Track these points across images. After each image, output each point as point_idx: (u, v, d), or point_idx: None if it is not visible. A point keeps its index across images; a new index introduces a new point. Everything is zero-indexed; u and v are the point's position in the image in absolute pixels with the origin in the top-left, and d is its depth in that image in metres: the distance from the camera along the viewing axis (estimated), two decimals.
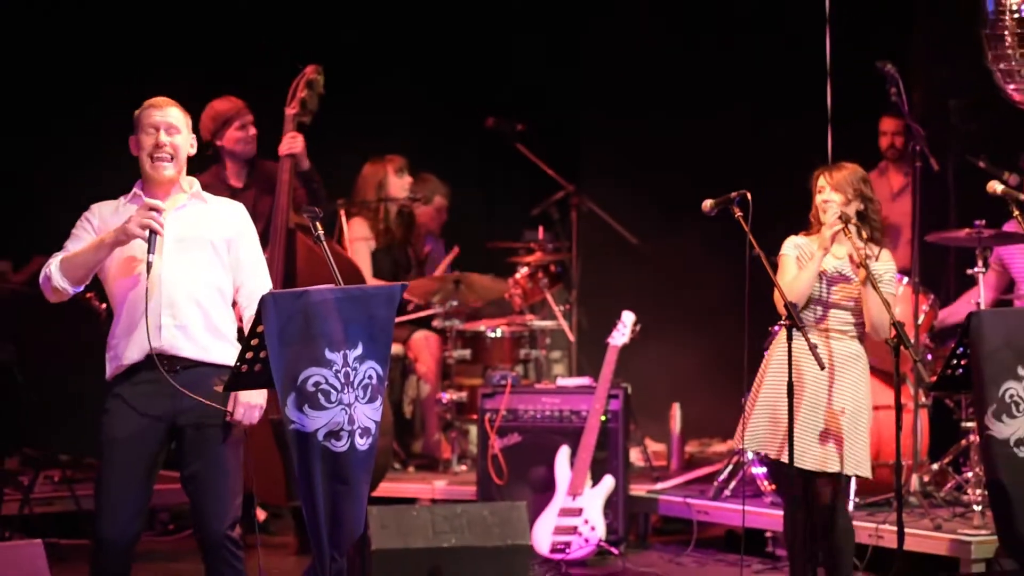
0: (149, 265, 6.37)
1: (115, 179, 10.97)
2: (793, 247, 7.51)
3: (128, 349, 6.47)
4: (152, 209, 6.40)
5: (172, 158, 6.56)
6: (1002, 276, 9.37)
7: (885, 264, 7.53)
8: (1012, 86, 8.71)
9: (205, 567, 6.56)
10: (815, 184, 7.54)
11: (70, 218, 10.82)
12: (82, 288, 6.51)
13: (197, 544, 6.59)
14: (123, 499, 6.47)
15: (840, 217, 7.42)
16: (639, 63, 11.64)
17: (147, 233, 6.37)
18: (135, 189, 6.66)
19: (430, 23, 11.75)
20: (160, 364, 6.40)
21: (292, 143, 8.94)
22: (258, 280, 6.71)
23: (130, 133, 6.67)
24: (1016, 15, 8.53)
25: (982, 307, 8.63)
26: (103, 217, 6.62)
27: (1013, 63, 8.61)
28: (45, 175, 10.78)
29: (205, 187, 9.28)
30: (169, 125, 6.56)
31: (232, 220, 6.72)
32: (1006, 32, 8.60)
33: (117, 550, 6.46)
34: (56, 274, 6.44)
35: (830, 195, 7.47)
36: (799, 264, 7.47)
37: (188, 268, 6.53)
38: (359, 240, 10.18)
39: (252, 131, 9.16)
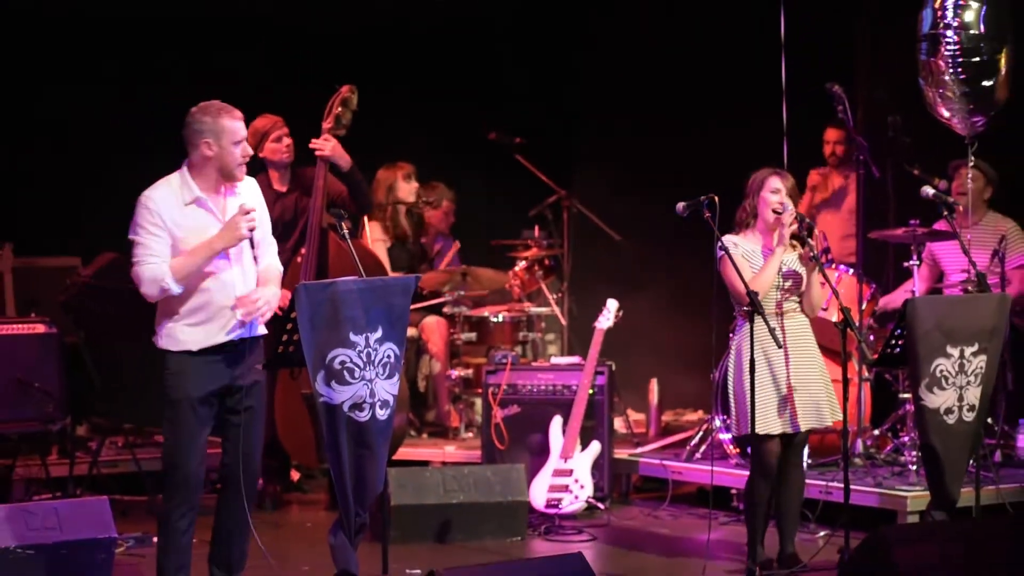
0: (256, 259, 6.43)
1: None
2: (732, 245, 7.52)
3: (210, 334, 6.45)
4: (247, 212, 6.41)
5: None
6: (933, 268, 9.39)
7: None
8: (944, 108, 8.73)
9: (241, 498, 6.55)
10: (765, 185, 7.54)
11: (130, 217, 10.88)
12: None
13: (234, 481, 6.57)
14: (200, 444, 6.52)
15: (796, 217, 7.46)
16: (623, 84, 11.68)
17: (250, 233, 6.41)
18: (196, 191, 6.50)
19: (444, 47, 11.78)
20: (239, 346, 6.46)
21: (322, 144, 8.92)
22: (270, 255, 6.72)
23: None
24: (951, 46, 8.57)
25: (916, 295, 8.65)
26: (171, 216, 6.46)
27: (948, 92, 8.64)
28: (109, 179, 10.78)
29: None
30: (245, 135, 6.56)
31: (252, 199, 6.63)
32: (942, 63, 8.63)
33: (198, 484, 6.53)
34: (174, 285, 6.37)
35: (786, 198, 7.50)
36: (759, 260, 7.51)
37: (248, 260, 6.53)
38: (377, 241, 10.19)
39: (287, 141, 9.17)
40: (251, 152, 6.58)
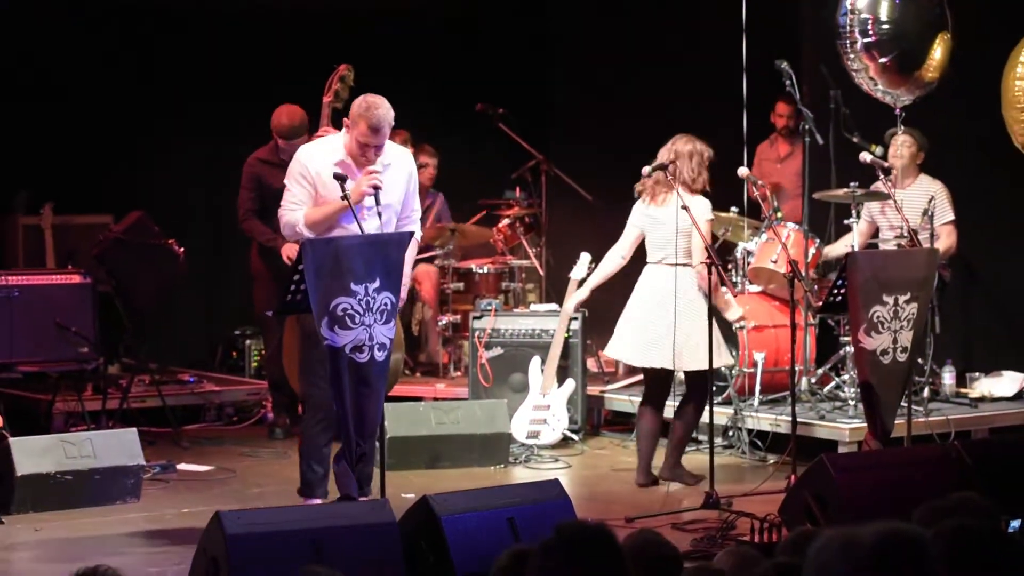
0: (380, 214, 6.56)
1: (191, 148, 11.00)
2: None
3: None
4: (371, 172, 6.61)
5: None
6: (871, 225, 9.37)
7: (698, 205, 7.71)
8: (859, 81, 8.82)
9: None
10: None
11: (157, 178, 10.83)
12: None
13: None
14: None
15: (750, 180, 7.51)
16: (597, 62, 11.69)
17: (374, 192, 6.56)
18: (342, 155, 6.70)
19: (438, 35, 11.78)
20: None
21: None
22: (412, 225, 7.02)
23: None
24: (856, 28, 8.63)
25: (855, 249, 8.64)
26: (318, 170, 6.69)
27: (856, 65, 8.73)
28: (138, 145, 10.74)
29: (263, 161, 9.23)
30: (372, 142, 6.71)
31: (396, 168, 6.88)
32: (848, 42, 8.70)
33: None
34: (305, 230, 6.62)
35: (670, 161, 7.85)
36: None
37: (373, 223, 6.61)
38: None
39: (282, 144, 8.95)
40: (374, 159, 6.68)
